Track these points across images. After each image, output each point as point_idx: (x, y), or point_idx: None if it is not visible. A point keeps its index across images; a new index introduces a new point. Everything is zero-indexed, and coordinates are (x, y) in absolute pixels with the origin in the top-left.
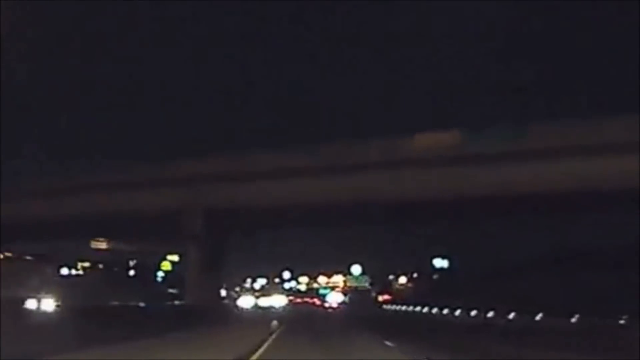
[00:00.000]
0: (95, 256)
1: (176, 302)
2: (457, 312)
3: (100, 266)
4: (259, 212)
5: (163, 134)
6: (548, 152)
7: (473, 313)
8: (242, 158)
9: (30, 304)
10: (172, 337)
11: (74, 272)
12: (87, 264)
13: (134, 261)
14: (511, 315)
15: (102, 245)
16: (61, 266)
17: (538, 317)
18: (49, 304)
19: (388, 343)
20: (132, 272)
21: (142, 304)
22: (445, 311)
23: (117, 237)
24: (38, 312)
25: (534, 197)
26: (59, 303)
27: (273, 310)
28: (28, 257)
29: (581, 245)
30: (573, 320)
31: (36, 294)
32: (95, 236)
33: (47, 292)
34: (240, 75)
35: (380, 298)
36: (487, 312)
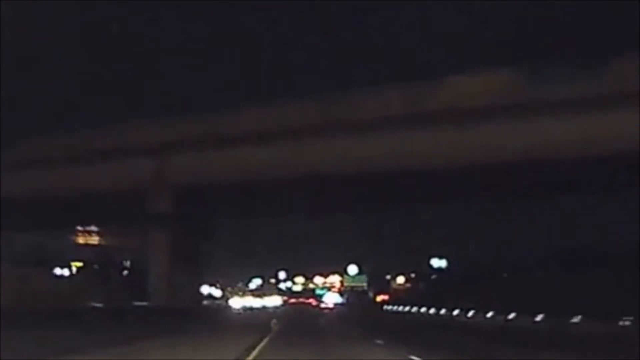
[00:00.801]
0: (90, 255)
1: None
2: (470, 314)
3: (96, 266)
4: (242, 188)
5: (121, 95)
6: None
7: (489, 314)
8: (219, 119)
9: None
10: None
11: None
12: (80, 264)
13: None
14: (539, 317)
15: (92, 240)
16: (54, 266)
17: (576, 319)
18: None
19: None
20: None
21: (98, 305)
22: (455, 312)
23: (70, 223)
24: None
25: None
26: None
27: (267, 311)
28: None
29: (582, 244)
30: (627, 323)
31: None
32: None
33: None
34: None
35: (379, 298)
36: (507, 313)
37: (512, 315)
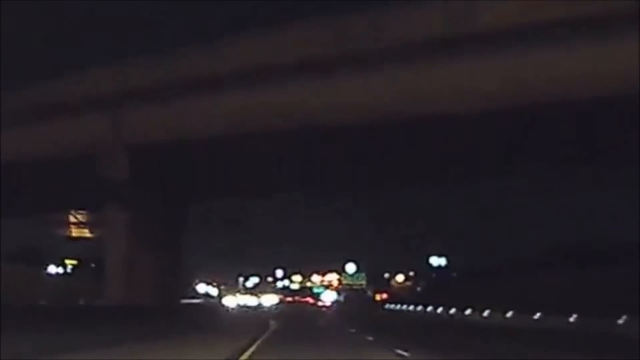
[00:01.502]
0: (84, 250)
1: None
2: (486, 313)
3: (93, 265)
4: (221, 147)
5: (63, 33)
6: None
7: (509, 314)
8: (191, 57)
9: None
10: None
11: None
12: (75, 262)
13: None
14: (572, 319)
15: (85, 233)
16: (47, 264)
17: (621, 320)
18: None
19: None
20: None
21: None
22: (467, 311)
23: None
24: None
25: None
26: None
27: (263, 310)
28: None
29: (583, 242)
30: None
31: None
32: None
33: None
34: None
35: (378, 297)
36: (532, 313)
37: (537, 315)
